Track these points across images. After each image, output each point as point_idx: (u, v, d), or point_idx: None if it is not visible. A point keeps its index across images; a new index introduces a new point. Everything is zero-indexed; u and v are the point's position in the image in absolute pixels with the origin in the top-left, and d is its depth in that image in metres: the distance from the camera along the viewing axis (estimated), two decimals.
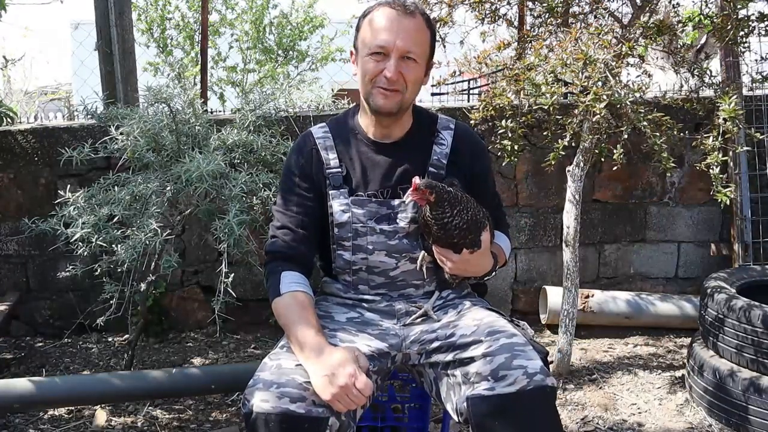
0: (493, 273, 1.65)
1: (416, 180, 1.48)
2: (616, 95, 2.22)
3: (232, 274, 2.11)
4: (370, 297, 1.65)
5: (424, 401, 1.73)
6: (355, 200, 1.61)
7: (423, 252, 1.62)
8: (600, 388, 2.71)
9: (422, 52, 1.57)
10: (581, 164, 2.60)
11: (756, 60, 2.91)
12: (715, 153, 2.26)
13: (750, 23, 2.45)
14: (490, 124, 2.57)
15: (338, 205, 1.61)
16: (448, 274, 1.61)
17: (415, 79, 1.57)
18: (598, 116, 2.25)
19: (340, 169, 1.63)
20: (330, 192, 1.62)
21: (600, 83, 2.22)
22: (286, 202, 1.64)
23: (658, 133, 2.22)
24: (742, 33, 2.46)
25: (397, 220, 1.61)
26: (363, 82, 1.58)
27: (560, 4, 2.51)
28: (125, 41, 3.25)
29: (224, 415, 2.49)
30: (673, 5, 2.63)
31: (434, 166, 1.64)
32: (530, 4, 2.67)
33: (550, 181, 3.28)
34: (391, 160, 1.63)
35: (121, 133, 2.31)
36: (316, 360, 1.39)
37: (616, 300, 3.22)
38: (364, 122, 1.66)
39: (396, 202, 1.61)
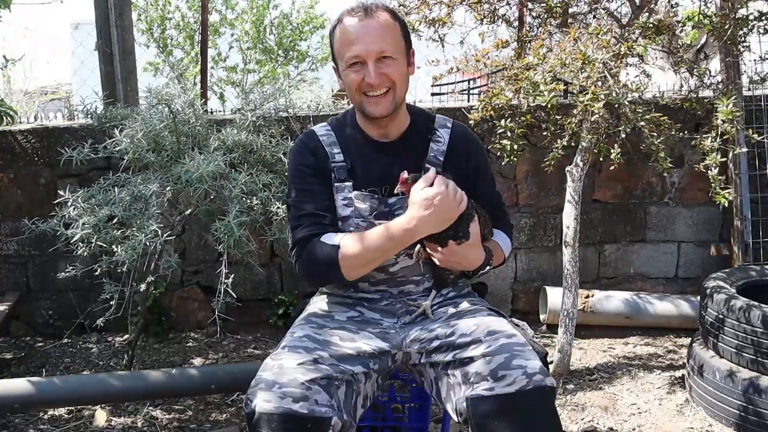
0: (488, 267, 1.64)
1: (404, 174, 1.51)
2: (614, 95, 2.22)
3: (232, 275, 2.11)
4: (370, 295, 1.66)
5: (424, 401, 1.73)
6: (357, 195, 1.62)
7: (419, 246, 1.62)
8: (600, 388, 2.71)
9: (396, 47, 1.57)
10: (581, 164, 2.60)
11: (755, 60, 2.91)
12: (714, 154, 2.25)
13: (749, 22, 2.45)
14: (489, 124, 2.57)
15: (341, 198, 1.62)
16: (441, 270, 1.62)
17: (400, 75, 1.58)
18: (597, 116, 2.25)
19: (344, 163, 1.64)
20: (335, 185, 1.63)
21: (599, 83, 2.22)
22: (301, 194, 1.62)
23: (655, 133, 2.22)
24: (741, 32, 2.46)
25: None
26: (351, 94, 1.60)
27: (559, 5, 2.51)
28: (125, 41, 3.25)
29: (224, 416, 2.49)
30: (672, 5, 2.63)
31: (431, 163, 1.65)
32: (529, 4, 2.67)
33: (550, 181, 3.28)
34: (390, 158, 1.64)
35: (123, 137, 2.31)
36: (396, 225, 1.49)
37: (616, 300, 3.22)
38: (363, 122, 1.67)
39: (393, 199, 1.62)
